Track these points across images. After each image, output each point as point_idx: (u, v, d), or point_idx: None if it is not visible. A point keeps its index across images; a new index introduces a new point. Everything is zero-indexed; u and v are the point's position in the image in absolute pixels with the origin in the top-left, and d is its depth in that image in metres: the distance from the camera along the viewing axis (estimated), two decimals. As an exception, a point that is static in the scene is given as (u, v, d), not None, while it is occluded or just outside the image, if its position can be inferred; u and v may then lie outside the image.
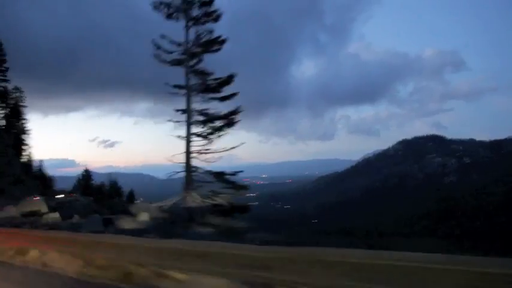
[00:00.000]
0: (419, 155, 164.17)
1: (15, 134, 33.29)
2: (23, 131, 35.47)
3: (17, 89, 36.85)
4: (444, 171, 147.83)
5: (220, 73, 15.12)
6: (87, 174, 48.08)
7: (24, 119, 36.43)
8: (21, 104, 36.71)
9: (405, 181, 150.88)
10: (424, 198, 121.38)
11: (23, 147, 35.17)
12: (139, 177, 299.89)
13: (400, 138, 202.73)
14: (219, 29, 15.17)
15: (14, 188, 23.38)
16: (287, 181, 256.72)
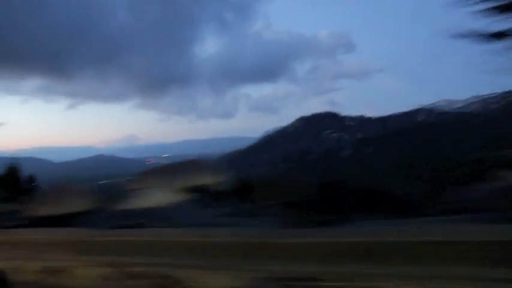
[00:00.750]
0: (317, 131, 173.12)
1: None
2: None
3: None
4: (340, 145, 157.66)
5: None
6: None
7: None
8: None
9: (305, 156, 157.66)
10: (322, 172, 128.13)
11: None
12: (31, 161, 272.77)
13: (299, 115, 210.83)
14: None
15: None
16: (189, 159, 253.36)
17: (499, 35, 6.12)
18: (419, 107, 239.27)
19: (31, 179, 45.40)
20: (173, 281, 4.42)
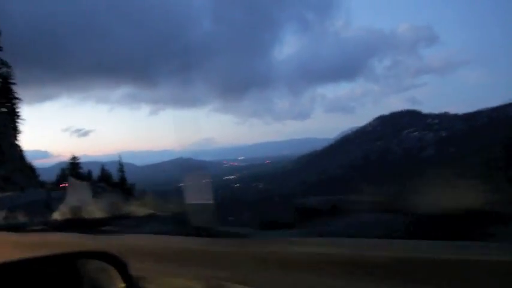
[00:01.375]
0: (397, 130, 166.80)
1: (7, 114, 28.46)
2: (14, 112, 29.86)
3: (4, 63, 31.22)
4: (422, 145, 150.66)
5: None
6: (74, 163, 45.72)
7: (15, 98, 30.65)
8: (11, 80, 30.82)
9: (385, 156, 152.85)
10: (404, 172, 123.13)
11: (16, 131, 30.39)
12: (116, 165, 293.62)
13: (376, 114, 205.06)
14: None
15: (15, 176, 21.43)
16: (265, 162, 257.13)
17: None
18: (510, 101, 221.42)
19: (123, 181, 48.66)
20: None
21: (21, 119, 30.40)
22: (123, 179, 48.48)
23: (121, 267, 0.89)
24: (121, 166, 46.39)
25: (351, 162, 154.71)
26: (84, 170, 44.99)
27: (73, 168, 42.78)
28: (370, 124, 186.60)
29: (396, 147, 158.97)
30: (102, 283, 0.90)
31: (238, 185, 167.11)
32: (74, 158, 45.50)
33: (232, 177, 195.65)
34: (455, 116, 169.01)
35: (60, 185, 29.87)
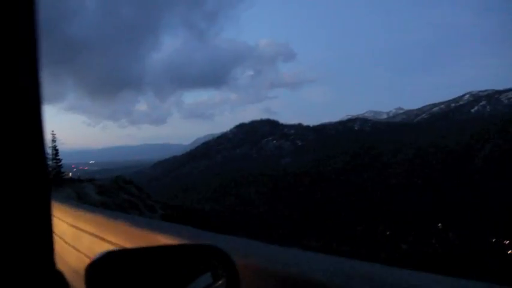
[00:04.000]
0: (257, 138, 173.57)
1: None
2: None
3: None
4: (280, 153, 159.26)
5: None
6: None
7: None
8: None
9: (245, 163, 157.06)
10: (263, 179, 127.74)
11: None
12: None
13: (234, 123, 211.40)
14: None
15: None
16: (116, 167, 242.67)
17: None
18: (349, 116, 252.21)
19: None
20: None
21: None
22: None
23: (225, 259, 0.99)
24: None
25: (212, 168, 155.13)
26: None
27: None
28: (231, 131, 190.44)
29: (256, 154, 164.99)
30: (207, 276, 0.99)
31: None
32: None
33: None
34: (307, 128, 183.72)
35: None
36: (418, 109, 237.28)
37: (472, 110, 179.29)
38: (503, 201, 77.49)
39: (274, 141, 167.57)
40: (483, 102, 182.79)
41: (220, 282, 0.99)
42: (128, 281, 0.84)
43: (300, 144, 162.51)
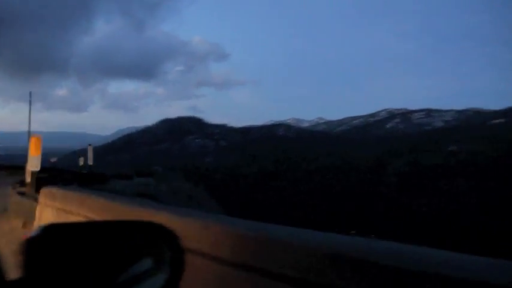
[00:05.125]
0: (181, 135, 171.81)
1: None
2: None
3: None
4: (205, 151, 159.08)
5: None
6: None
7: None
8: None
9: (168, 159, 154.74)
10: (187, 177, 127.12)
11: None
12: None
13: (158, 117, 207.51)
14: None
15: None
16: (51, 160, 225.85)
17: None
18: (273, 122, 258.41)
19: None
20: None
21: None
22: None
23: (168, 236, 0.97)
24: None
25: (134, 161, 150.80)
26: None
27: None
28: (156, 126, 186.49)
29: (178, 151, 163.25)
30: (149, 252, 0.96)
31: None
32: None
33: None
34: (232, 129, 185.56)
35: None
36: (339, 120, 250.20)
37: (387, 126, 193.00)
38: (412, 212, 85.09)
39: (199, 140, 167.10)
40: (397, 120, 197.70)
41: (162, 267, 0.93)
42: (64, 257, 0.80)
43: (224, 144, 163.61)
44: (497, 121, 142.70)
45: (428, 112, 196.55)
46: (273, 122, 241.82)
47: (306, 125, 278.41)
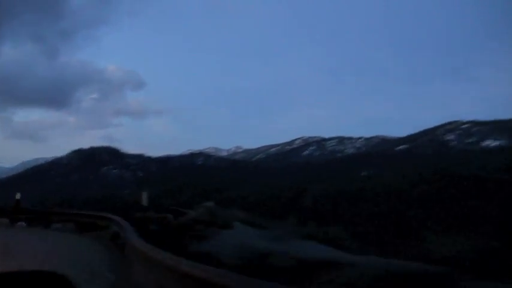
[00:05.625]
0: (96, 165, 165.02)
1: None
2: None
3: None
4: (122, 183, 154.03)
5: None
6: None
7: None
8: None
9: (81, 192, 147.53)
10: (103, 209, 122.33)
11: None
12: None
13: (70, 147, 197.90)
14: None
15: None
16: None
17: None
18: (192, 151, 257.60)
19: None
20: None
21: None
22: None
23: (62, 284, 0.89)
24: None
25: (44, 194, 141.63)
26: None
27: None
28: (67, 156, 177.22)
29: (95, 182, 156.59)
30: None
31: None
32: None
33: None
34: (150, 159, 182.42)
35: None
36: (256, 149, 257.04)
37: (304, 154, 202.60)
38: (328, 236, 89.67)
39: (116, 170, 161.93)
40: (313, 147, 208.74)
41: None
42: None
43: (141, 175, 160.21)
44: (401, 147, 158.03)
45: (341, 140, 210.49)
46: (191, 151, 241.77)
47: (224, 153, 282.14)
